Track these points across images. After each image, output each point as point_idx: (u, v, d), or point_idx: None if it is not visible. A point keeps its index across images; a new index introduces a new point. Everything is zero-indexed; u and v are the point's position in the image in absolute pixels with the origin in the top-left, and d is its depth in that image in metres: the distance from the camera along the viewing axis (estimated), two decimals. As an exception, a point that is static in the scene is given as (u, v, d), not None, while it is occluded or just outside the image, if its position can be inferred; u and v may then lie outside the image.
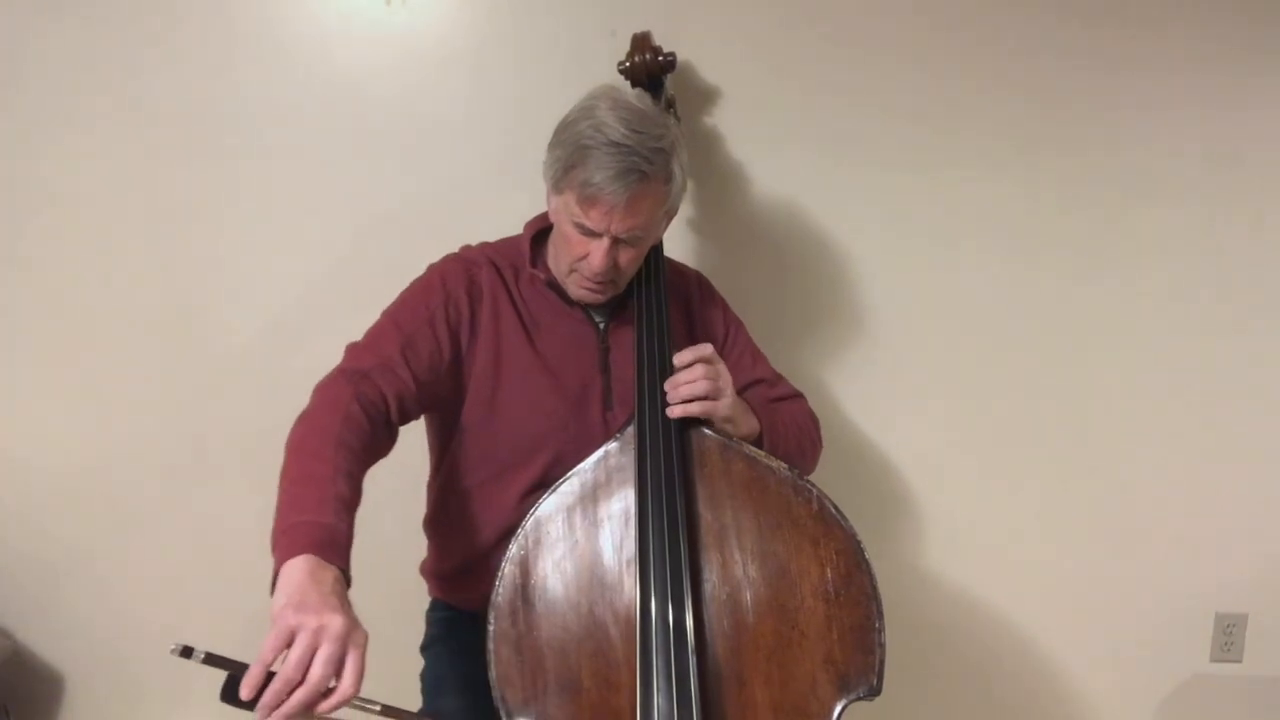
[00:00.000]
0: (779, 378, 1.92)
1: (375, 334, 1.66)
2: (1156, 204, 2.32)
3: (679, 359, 1.63)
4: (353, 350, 1.63)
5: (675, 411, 1.59)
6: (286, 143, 2.21)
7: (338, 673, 1.18)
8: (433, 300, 1.69)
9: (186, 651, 1.16)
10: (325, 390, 1.55)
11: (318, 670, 1.16)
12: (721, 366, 1.64)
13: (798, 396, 1.92)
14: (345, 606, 1.23)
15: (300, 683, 1.16)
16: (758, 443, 1.68)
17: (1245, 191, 2.32)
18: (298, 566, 1.24)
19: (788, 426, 1.79)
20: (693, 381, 1.59)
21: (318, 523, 1.31)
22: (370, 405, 1.53)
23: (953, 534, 2.42)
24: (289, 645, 1.17)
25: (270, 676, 1.17)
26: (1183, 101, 2.28)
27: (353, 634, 1.21)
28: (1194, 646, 2.50)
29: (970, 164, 2.28)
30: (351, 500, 1.39)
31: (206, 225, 2.23)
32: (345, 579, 1.29)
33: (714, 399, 1.60)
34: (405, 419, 1.62)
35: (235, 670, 1.18)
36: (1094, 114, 2.27)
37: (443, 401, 1.70)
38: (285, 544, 1.28)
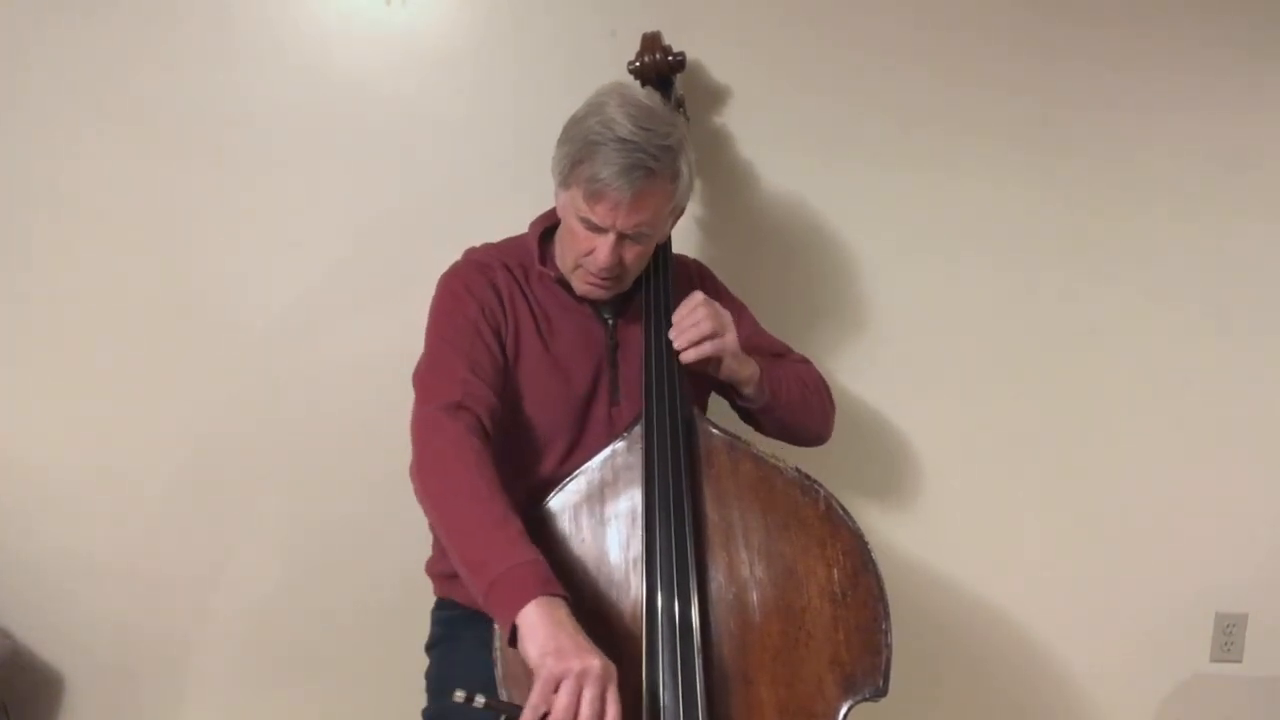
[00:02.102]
0: (787, 349, 1.94)
1: (437, 362, 1.66)
2: (1158, 205, 2.32)
3: (676, 314, 1.67)
4: (426, 383, 1.62)
5: (689, 355, 1.63)
6: (286, 142, 2.21)
7: (603, 710, 1.30)
8: (470, 311, 1.68)
9: (469, 698, 1.32)
10: (435, 433, 1.54)
11: (587, 710, 1.28)
12: (718, 306, 1.69)
13: (806, 361, 1.94)
14: (592, 644, 1.33)
15: None
16: (759, 384, 1.71)
17: (1248, 193, 2.33)
18: (535, 613, 1.32)
19: (787, 374, 1.82)
20: (697, 322, 1.64)
21: (524, 561, 1.38)
22: (480, 433, 1.54)
23: (953, 534, 2.42)
24: (555, 690, 1.28)
25: (543, 718, 1.30)
26: (1186, 103, 2.29)
27: (610, 671, 1.31)
28: (1194, 646, 2.50)
29: (975, 164, 2.28)
30: (527, 530, 1.44)
31: (206, 225, 2.22)
32: (569, 602, 1.37)
33: (720, 335, 1.64)
34: (496, 433, 1.61)
35: (511, 714, 1.34)
36: (1097, 115, 2.28)
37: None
38: (506, 594, 1.35)
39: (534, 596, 1.33)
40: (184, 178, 2.20)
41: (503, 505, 1.44)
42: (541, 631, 1.30)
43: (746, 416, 1.85)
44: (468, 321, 1.67)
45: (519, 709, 1.30)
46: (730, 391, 1.78)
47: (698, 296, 1.68)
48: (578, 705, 1.28)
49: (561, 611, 1.33)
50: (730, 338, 1.66)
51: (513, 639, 1.34)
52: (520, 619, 1.32)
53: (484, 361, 1.64)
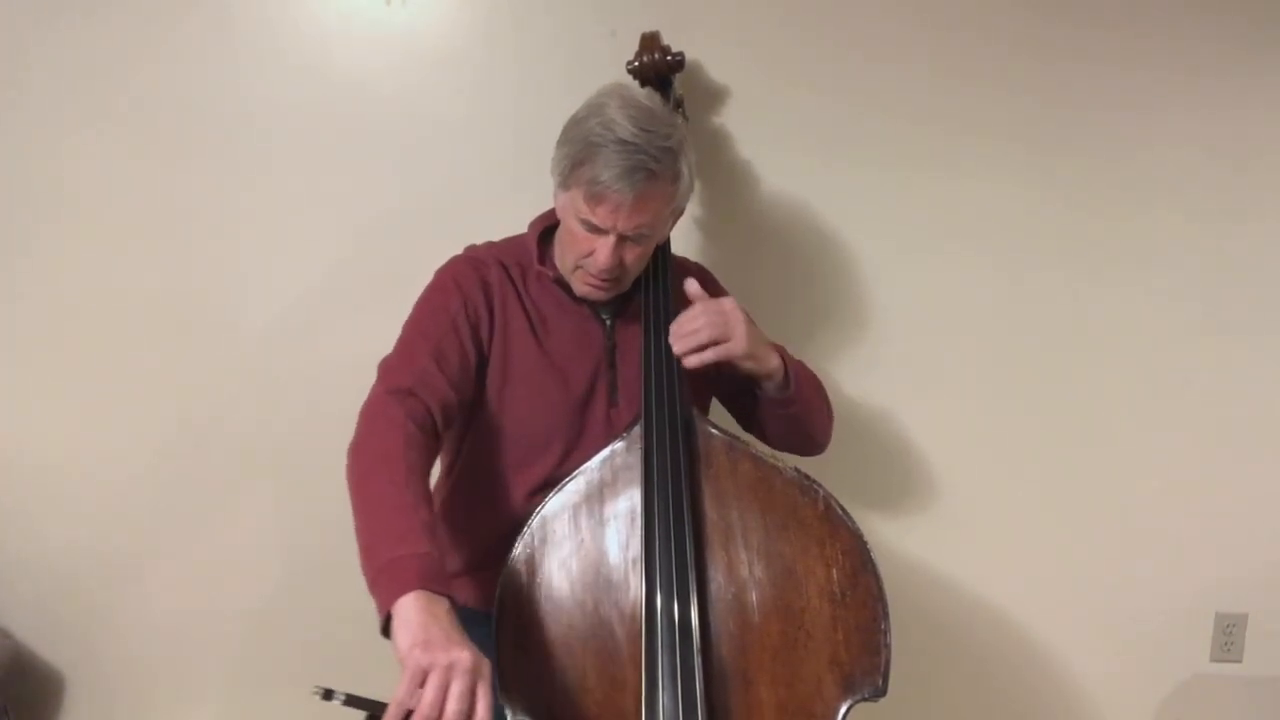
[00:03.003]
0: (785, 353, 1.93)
1: (404, 348, 1.65)
2: (1158, 205, 2.32)
3: (674, 324, 1.65)
4: (387, 368, 1.62)
5: (691, 361, 1.61)
6: (286, 142, 2.21)
7: (471, 706, 1.23)
8: (451, 305, 1.68)
9: (328, 694, 1.26)
10: (376, 415, 1.54)
11: (453, 705, 1.21)
12: (724, 308, 1.65)
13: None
14: (467, 639, 1.27)
15: (438, 719, 1.22)
16: (784, 378, 1.69)
17: (1248, 193, 2.33)
18: (411, 605, 1.27)
19: (807, 372, 1.81)
20: (695, 330, 1.61)
21: (416, 554, 1.33)
22: (422, 422, 1.53)
23: (953, 533, 2.41)
24: (422, 685, 1.22)
25: (408, 715, 1.22)
26: (1187, 102, 2.28)
27: (480, 666, 1.25)
28: (1194, 646, 2.50)
29: (975, 164, 2.28)
30: (434, 524, 1.40)
31: (207, 225, 2.22)
32: (454, 603, 1.32)
33: (723, 340, 1.62)
34: (448, 427, 1.61)
35: (375, 711, 1.28)
36: (1097, 115, 2.27)
37: (471, 403, 1.69)
38: (389, 582, 1.30)
39: (414, 589, 1.28)
40: (184, 178, 2.20)
41: (414, 495, 1.41)
42: (414, 622, 1.25)
43: (748, 423, 1.85)
44: (446, 315, 1.67)
45: (383, 705, 1.24)
46: (753, 384, 1.75)
47: (697, 307, 1.65)
48: (444, 700, 1.22)
49: (440, 608, 1.28)
50: (736, 342, 1.63)
51: (387, 630, 1.29)
52: (396, 609, 1.27)
53: (451, 355, 1.63)
